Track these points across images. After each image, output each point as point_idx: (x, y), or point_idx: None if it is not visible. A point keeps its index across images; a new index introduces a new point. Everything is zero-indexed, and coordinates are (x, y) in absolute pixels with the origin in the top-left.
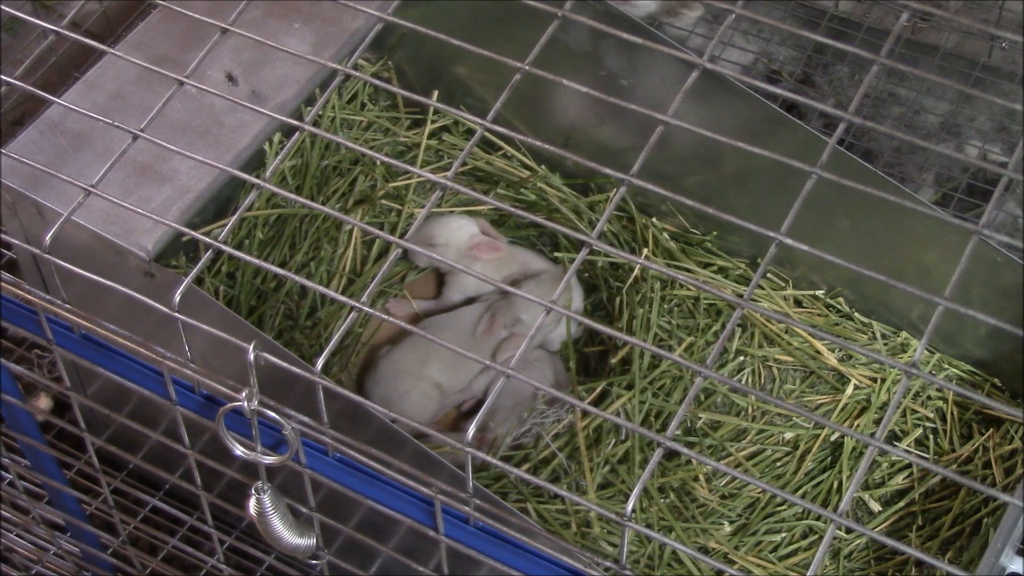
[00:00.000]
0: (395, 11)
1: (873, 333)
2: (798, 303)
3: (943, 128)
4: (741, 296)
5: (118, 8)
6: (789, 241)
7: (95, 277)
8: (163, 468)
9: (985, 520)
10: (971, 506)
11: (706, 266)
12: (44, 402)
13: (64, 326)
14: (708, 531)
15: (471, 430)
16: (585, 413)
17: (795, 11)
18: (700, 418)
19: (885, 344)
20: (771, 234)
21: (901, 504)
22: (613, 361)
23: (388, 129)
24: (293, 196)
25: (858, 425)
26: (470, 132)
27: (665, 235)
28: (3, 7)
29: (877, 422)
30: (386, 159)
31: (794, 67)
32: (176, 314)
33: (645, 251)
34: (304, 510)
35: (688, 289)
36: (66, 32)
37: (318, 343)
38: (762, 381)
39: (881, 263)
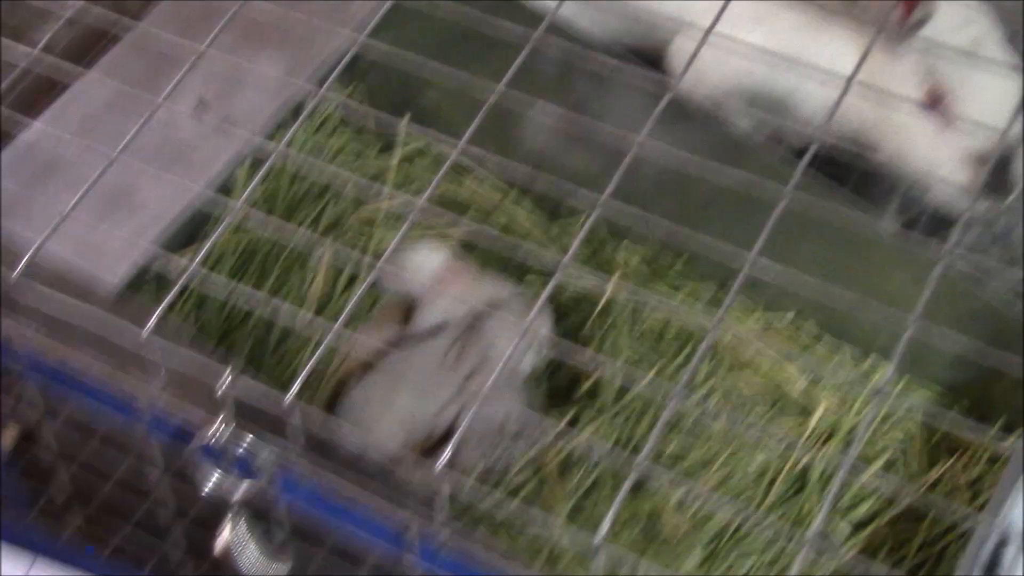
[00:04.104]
0: (366, 37)
1: (842, 357)
2: (767, 328)
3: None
4: (711, 321)
5: (88, 36)
6: (759, 265)
7: (65, 304)
8: (135, 498)
9: (952, 544)
10: (939, 530)
11: (675, 291)
12: (11, 433)
13: (34, 356)
14: (679, 557)
15: (442, 459)
16: (555, 441)
17: None
18: (670, 444)
19: (854, 368)
20: (741, 258)
21: (870, 528)
22: (583, 388)
23: (358, 155)
24: (263, 223)
25: (827, 449)
26: (440, 158)
27: (635, 260)
28: None
29: (846, 446)
30: (357, 184)
31: None
32: (146, 344)
33: (615, 276)
34: (276, 538)
35: (658, 314)
36: (36, 59)
37: (288, 372)
38: (732, 406)
39: (849, 287)
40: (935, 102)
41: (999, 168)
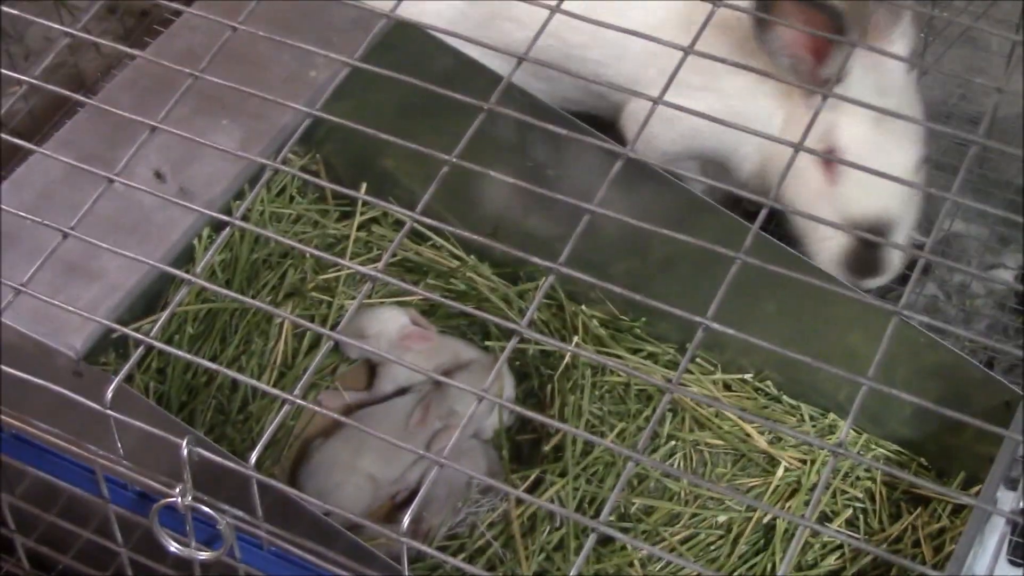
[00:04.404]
0: (323, 105)
1: (801, 415)
2: (727, 387)
3: None
4: (670, 381)
5: (44, 107)
6: (716, 326)
7: (24, 376)
8: (95, 567)
9: None
10: None
11: (636, 352)
12: None
13: None
14: None
15: (406, 520)
16: (519, 501)
17: None
18: (634, 503)
19: (813, 426)
20: (698, 319)
21: None
22: (546, 448)
23: (317, 222)
24: (223, 291)
25: (789, 507)
26: (399, 223)
27: (595, 322)
28: None
29: (808, 503)
30: (315, 252)
31: None
32: (108, 411)
33: (575, 338)
34: None
35: (618, 375)
36: None
37: (250, 437)
38: (694, 465)
39: (807, 345)
40: (826, 160)
41: (870, 247)
